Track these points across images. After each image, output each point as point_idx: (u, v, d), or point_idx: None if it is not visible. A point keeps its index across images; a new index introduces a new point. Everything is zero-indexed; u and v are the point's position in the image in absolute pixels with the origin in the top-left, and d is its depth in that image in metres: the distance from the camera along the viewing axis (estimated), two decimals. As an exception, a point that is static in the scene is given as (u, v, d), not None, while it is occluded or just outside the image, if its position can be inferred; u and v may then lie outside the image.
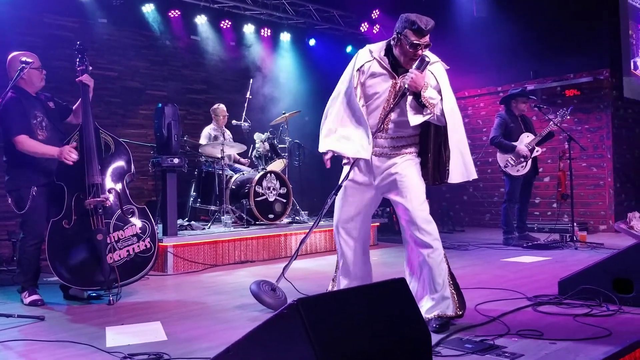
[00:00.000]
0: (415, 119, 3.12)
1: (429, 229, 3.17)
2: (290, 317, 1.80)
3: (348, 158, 3.29)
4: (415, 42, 3.09)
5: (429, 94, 3.08)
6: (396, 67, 3.23)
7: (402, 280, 2.12)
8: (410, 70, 3.11)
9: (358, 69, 3.26)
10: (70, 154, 3.98)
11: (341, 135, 3.27)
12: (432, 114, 3.12)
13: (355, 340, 1.90)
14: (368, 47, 3.33)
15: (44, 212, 4.13)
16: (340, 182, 3.32)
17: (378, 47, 3.29)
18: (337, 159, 3.36)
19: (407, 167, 3.25)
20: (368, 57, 3.27)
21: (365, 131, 3.20)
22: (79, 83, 4.28)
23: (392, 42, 3.23)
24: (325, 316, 1.85)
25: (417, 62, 3.12)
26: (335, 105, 3.34)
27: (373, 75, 3.24)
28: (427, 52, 3.19)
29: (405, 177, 3.22)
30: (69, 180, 4.11)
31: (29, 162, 4.05)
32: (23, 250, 4.12)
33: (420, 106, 3.11)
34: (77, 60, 4.37)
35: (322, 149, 3.33)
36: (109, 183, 4.23)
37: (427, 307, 3.16)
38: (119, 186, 4.26)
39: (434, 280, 3.18)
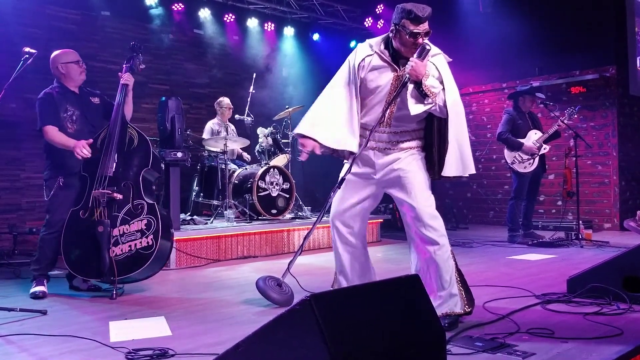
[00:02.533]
0: (415, 108, 3.06)
1: (435, 225, 3.12)
2: (302, 312, 1.75)
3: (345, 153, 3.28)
4: (414, 30, 3.04)
5: (430, 82, 3.02)
6: (397, 60, 3.18)
7: (417, 277, 2.07)
8: (410, 58, 3.05)
9: (359, 64, 3.21)
10: (82, 150, 4.04)
11: (320, 122, 3.26)
12: (433, 104, 3.05)
13: (368, 337, 1.85)
14: (368, 41, 3.29)
15: (67, 203, 4.16)
16: (342, 175, 3.27)
17: (377, 41, 3.25)
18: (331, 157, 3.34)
19: (410, 162, 3.20)
20: (368, 51, 3.23)
21: (351, 127, 3.19)
22: (121, 80, 4.39)
23: (390, 35, 3.18)
24: (339, 312, 1.80)
25: (417, 50, 3.06)
26: (327, 95, 3.32)
27: (374, 69, 3.19)
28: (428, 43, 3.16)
29: (409, 173, 3.17)
30: (91, 172, 4.16)
31: (58, 153, 4.16)
32: (42, 237, 4.20)
33: (421, 95, 3.05)
34: (126, 58, 4.49)
35: (295, 131, 3.36)
36: (125, 177, 4.21)
37: (434, 304, 3.10)
38: (134, 181, 4.22)
39: (441, 277, 3.13)
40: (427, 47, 3.05)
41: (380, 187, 3.33)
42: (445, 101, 3.08)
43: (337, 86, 3.29)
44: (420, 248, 3.17)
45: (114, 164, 4.14)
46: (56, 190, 4.15)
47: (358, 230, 3.40)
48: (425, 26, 3.06)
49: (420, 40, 3.06)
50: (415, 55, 3.03)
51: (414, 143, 3.25)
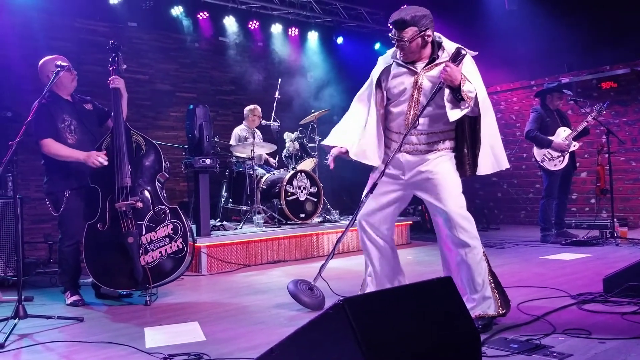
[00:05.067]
0: (453, 114, 3.05)
1: (466, 227, 3.08)
2: (335, 316, 1.76)
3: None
4: (391, 37, 3.15)
5: (467, 87, 3.01)
6: (414, 63, 3.20)
7: (449, 279, 2.06)
8: (445, 63, 3.04)
9: (380, 76, 3.29)
10: (98, 159, 3.99)
11: (345, 130, 3.39)
12: (469, 107, 3.05)
13: (402, 340, 1.84)
14: (388, 51, 3.36)
15: (79, 213, 4.16)
16: (375, 181, 3.26)
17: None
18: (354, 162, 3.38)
19: (440, 164, 3.18)
20: (388, 60, 3.29)
21: (375, 139, 3.26)
22: (110, 85, 4.25)
23: None
24: (372, 316, 1.80)
25: (452, 54, 3.06)
26: (353, 107, 3.44)
27: (395, 76, 3.24)
28: (446, 42, 3.21)
29: (438, 175, 3.15)
30: (102, 184, 4.13)
31: (62, 166, 4.09)
32: (61, 251, 4.21)
33: (457, 100, 3.04)
34: (109, 60, 4.35)
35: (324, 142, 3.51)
36: (141, 184, 4.22)
37: (467, 307, 3.06)
38: (151, 187, 4.24)
39: (473, 280, 3.10)
40: (463, 52, 3.05)
41: (409, 189, 3.32)
42: (477, 100, 3.07)
43: (361, 100, 3.42)
44: (451, 250, 3.15)
45: (129, 172, 4.13)
46: (66, 203, 4.10)
47: (386, 231, 3.40)
48: (400, 34, 3.10)
49: (400, 45, 3.13)
50: (450, 59, 3.04)
51: (442, 144, 3.24)
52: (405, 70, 3.21)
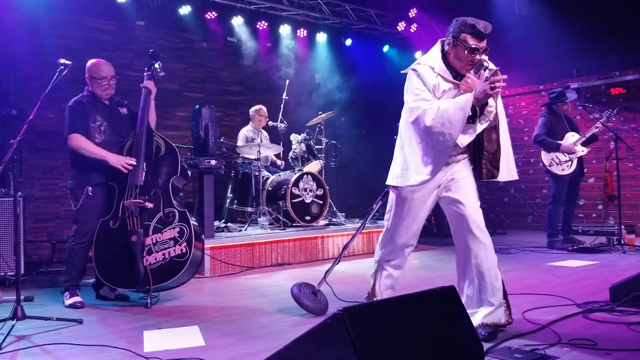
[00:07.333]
0: (477, 127, 3.02)
1: (485, 229, 3.10)
2: (334, 326, 1.72)
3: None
4: (474, 46, 2.98)
5: (490, 101, 2.96)
6: (457, 76, 3.10)
7: (452, 289, 2.01)
8: (467, 75, 2.99)
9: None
10: (127, 164, 4.11)
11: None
12: (488, 122, 3.01)
13: (402, 351, 1.80)
14: (426, 63, 3.11)
15: (95, 212, 4.18)
16: (387, 189, 3.22)
17: (435, 61, 3.11)
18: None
19: (463, 170, 3.17)
20: (433, 75, 3.08)
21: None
22: (142, 88, 4.39)
23: (446, 48, 3.10)
24: (371, 326, 1.76)
25: (474, 66, 3.00)
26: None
27: (443, 92, 3.07)
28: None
29: (464, 179, 3.15)
30: (120, 182, 4.19)
31: (85, 163, 4.17)
32: (70, 249, 4.21)
33: (476, 114, 2.98)
34: (147, 65, 4.49)
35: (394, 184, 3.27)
36: (154, 185, 4.24)
37: (484, 313, 3.03)
38: (164, 189, 4.26)
39: (492, 284, 3.06)
40: (485, 64, 2.99)
41: (438, 195, 3.26)
42: (496, 114, 3.05)
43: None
44: (471, 252, 3.09)
45: (144, 173, 4.17)
46: (84, 200, 4.14)
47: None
48: (485, 43, 3.01)
49: (477, 56, 3.00)
50: (472, 72, 2.99)
51: (465, 153, 3.21)
52: (451, 85, 3.07)
